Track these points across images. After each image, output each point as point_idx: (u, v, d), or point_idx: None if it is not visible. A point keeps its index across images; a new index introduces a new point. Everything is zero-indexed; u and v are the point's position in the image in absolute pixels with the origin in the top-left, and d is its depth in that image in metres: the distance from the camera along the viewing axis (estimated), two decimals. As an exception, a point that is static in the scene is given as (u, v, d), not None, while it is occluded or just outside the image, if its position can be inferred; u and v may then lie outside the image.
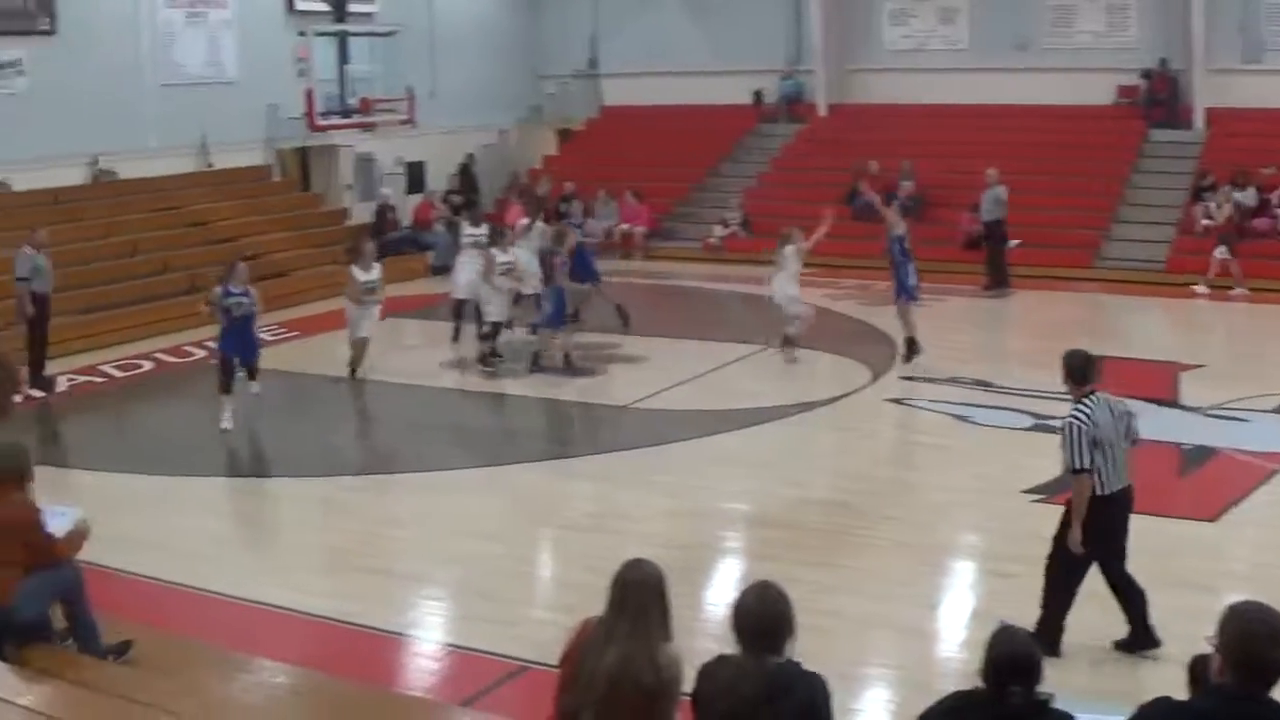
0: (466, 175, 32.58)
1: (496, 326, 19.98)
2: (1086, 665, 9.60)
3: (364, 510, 14.21)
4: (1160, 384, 17.67)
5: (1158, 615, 10.46)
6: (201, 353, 21.35)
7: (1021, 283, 25.99)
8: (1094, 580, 11.39)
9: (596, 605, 6.35)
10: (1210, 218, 26.12)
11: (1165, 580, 11.54)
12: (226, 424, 16.70)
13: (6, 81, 24.39)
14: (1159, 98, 29.90)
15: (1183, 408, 17.06)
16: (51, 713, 6.95)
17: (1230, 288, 24.74)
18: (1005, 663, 5.67)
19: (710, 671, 6.06)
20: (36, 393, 18.80)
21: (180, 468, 15.48)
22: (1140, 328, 18.51)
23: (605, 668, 6.12)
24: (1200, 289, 24.80)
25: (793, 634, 6.02)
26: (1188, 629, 10.09)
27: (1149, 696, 6.13)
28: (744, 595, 6.12)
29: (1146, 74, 30.04)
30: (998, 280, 25.90)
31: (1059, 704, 5.85)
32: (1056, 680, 7.43)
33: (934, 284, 26.03)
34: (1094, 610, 10.58)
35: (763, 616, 6.01)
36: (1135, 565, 11.72)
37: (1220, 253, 25.05)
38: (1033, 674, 5.67)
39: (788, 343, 20.09)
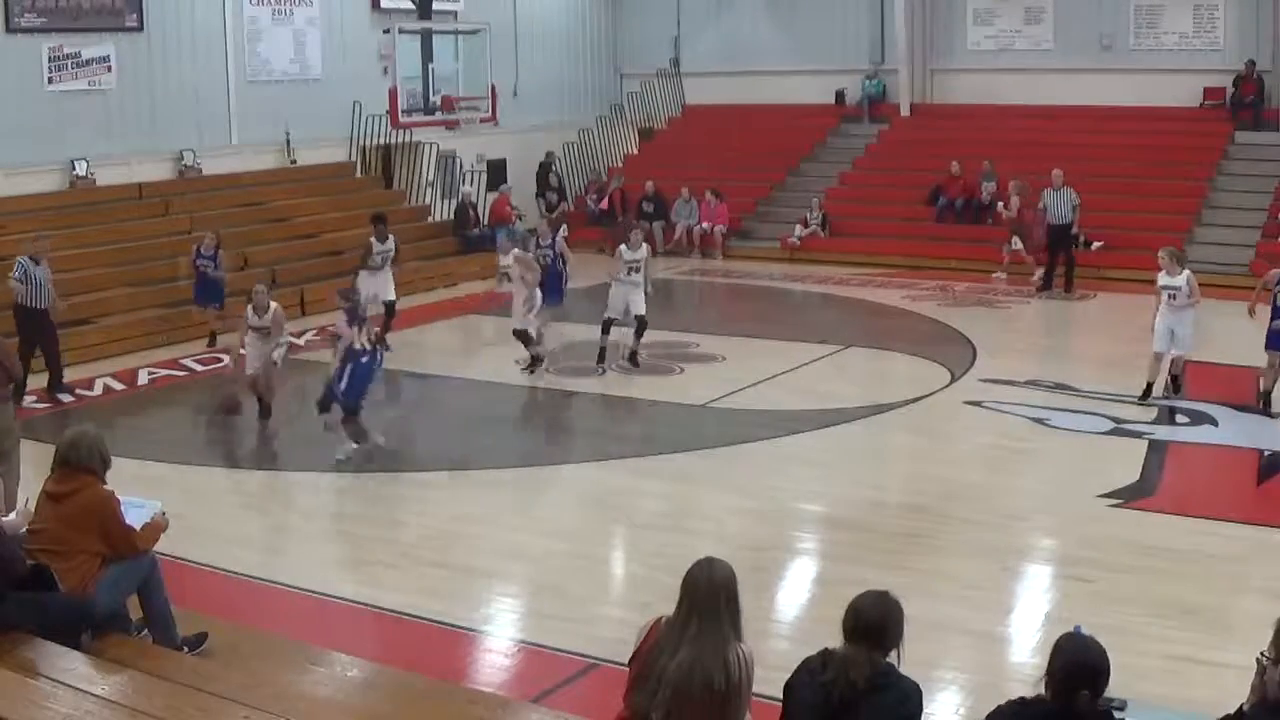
0: (546, 174, 32.62)
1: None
2: (1163, 674, 9.50)
3: (438, 506, 14.27)
4: (1241, 388, 17.48)
5: (1234, 622, 10.38)
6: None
7: (1103, 285, 25.79)
8: (1168, 585, 11.33)
9: (668, 604, 6.35)
10: (1009, 211, 27.40)
11: (1242, 588, 11.48)
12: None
13: (95, 77, 24.65)
14: (1245, 100, 29.55)
15: (1263, 413, 16.87)
16: (126, 702, 7.00)
17: (1030, 273, 26.58)
18: (1071, 669, 5.63)
19: (813, 662, 6.06)
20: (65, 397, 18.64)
21: (257, 462, 15.61)
22: (1221, 331, 18.30)
23: (675, 667, 6.11)
24: (999, 276, 27.18)
25: (900, 644, 6.03)
26: (1265, 638, 10.03)
27: (1226, 704, 6.08)
28: (862, 596, 6.10)
29: (1237, 79, 29.68)
30: (1049, 283, 25.95)
31: (1132, 712, 5.80)
32: (1134, 689, 7.39)
33: (1015, 285, 26.00)
34: (1168, 619, 10.54)
35: (878, 615, 5.99)
36: (1212, 572, 11.68)
37: (1014, 244, 26.98)
38: (1097, 681, 5.62)
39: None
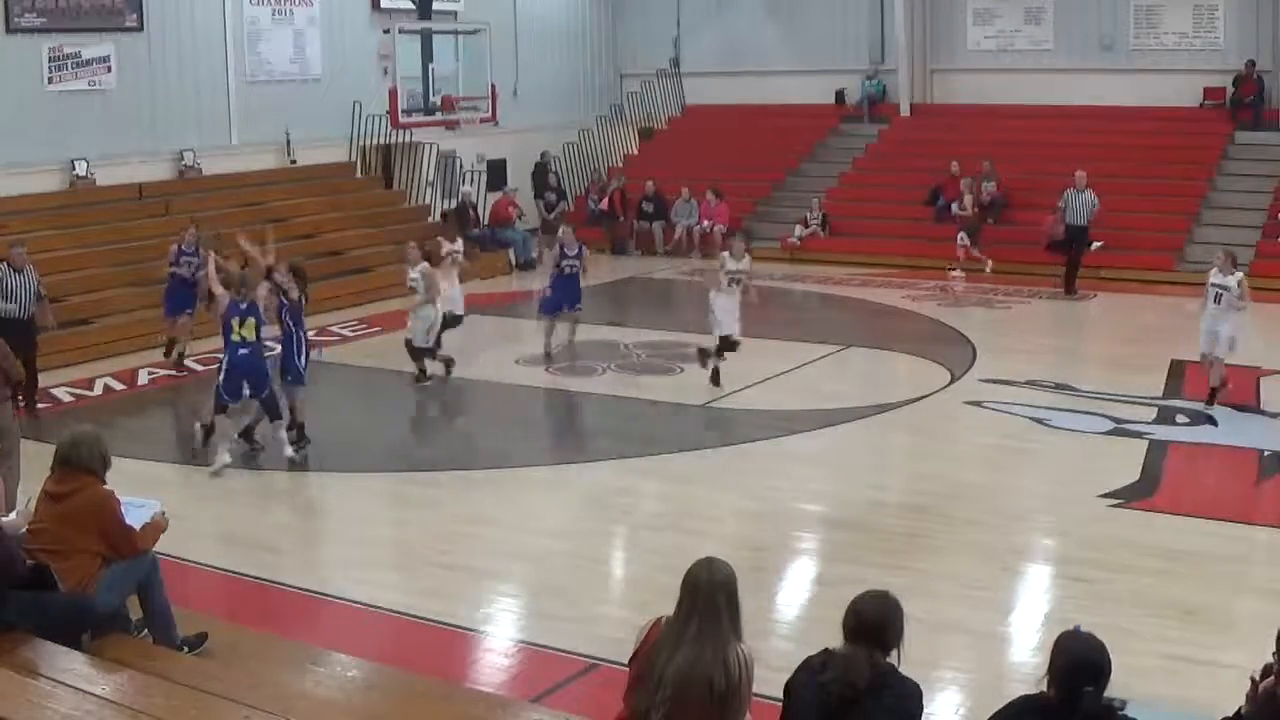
0: (541, 174, 32.58)
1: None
2: (1163, 674, 9.50)
3: (438, 506, 14.26)
4: (1241, 389, 17.48)
5: (1234, 622, 10.37)
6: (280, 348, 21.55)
7: (1102, 285, 25.76)
8: (1168, 585, 11.33)
9: (668, 604, 6.34)
10: (963, 209, 28.34)
11: (1242, 588, 11.48)
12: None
13: (95, 77, 24.65)
14: (1245, 100, 29.55)
15: (1264, 413, 16.87)
16: (125, 702, 6.99)
17: (982, 270, 27.51)
18: (1074, 666, 5.63)
19: (814, 662, 6.06)
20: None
21: (258, 462, 15.58)
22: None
23: (675, 667, 6.10)
24: (956, 273, 27.68)
25: (900, 643, 6.03)
26: (1266, 638, 10.03)
27: (1226, 704, 6.09)
28: (862, 596, 6.11)
29: (1237, 79, 29.67)
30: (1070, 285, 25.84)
31: (1132, 711, 5.80)
32: (1134, 688, 7.38)
33: (1015, 286, 25.99)
34: (1168, 619, 10.54)
35: (878, 616, 6.00)
36: (1212, 572, 11.68)
37: (961, 239, 27.70)
38: (1100, 677, 5.62)
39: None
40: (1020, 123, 31.11)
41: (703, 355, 18.86)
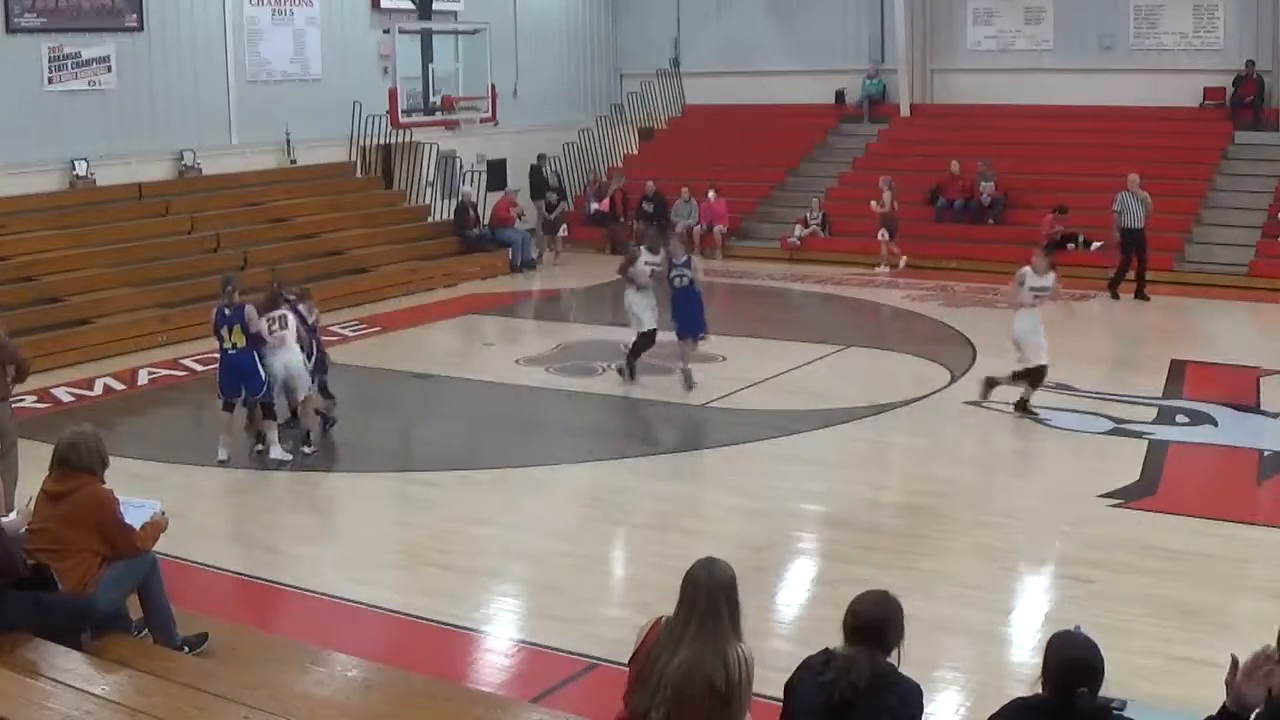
0: (537, 177, 32.59)
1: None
2: (1163, 674, 9.50)
3: (438, 506, 14.23)
4: (1242, 388, 17.47)
5: (1234, 622, 10.36)
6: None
7: (1103, 285, 25.68)
8: (1168, 585, 11.32)
9: (668, 604, 6.35)
10: (881, 206, 28.90)
11: (1242, 588, 11.47)
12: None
13: (95, 77, 24.65)
14: (1245, 100, 29.54)
15: (1264, 413, 16.86)
16: (125, 702, 7.01)
17: (896, 266, 28.39)
18: (1066, 666, 5.63)
19: (814, 662, 6.08)
20: None
21: (257, 461, 15.58)
22: (1222, 331, 18.25)
23: (675, 667, 6.11)
24: (882, 269, 28.42)
25: (900, 643, 6.04)
26: (1265, 638, 10.03)
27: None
28: (862, 596, 6.13)
29: (1237, 79, 29.65)
30: (1142, 286, 24.97)
31: (1131, 711, 5.79)
32: (1134, 688, 7.38)
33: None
34: (1168, 619, 10.53)
35: (878, 616, 6.02)
36: (1212, 572, 11.68)
37: (882, 236, 28.43)
38: (1093, 677, 5.61)
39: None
40: (1020, 123, 31.10)
41: (989, 385, 17.00)
